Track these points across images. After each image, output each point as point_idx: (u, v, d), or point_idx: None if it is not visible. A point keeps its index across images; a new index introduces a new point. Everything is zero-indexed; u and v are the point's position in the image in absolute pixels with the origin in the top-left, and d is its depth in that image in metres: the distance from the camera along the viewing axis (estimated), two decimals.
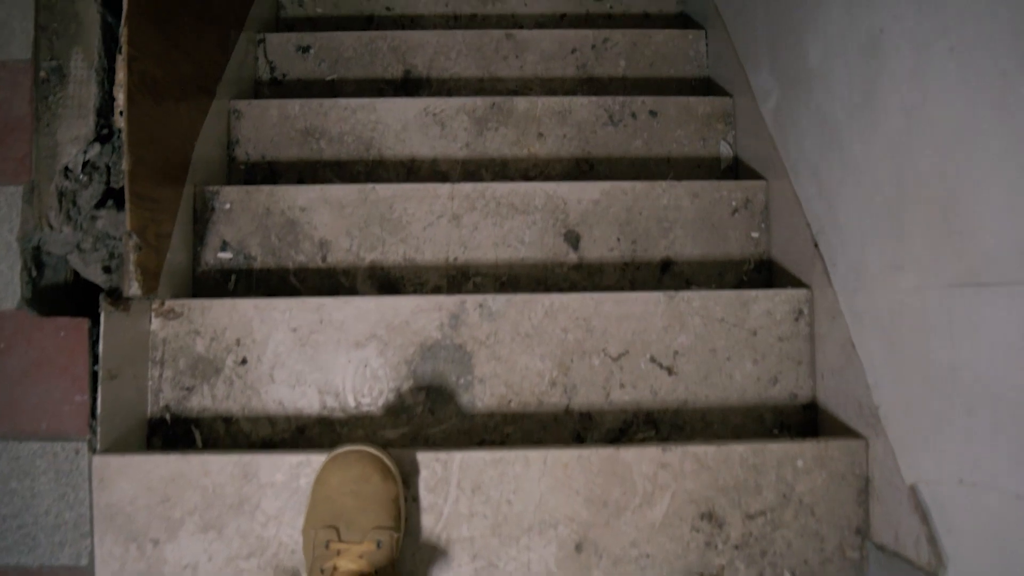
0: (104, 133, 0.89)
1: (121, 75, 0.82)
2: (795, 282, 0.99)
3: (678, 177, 1.21)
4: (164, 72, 0.94)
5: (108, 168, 0.91)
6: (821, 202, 0.93)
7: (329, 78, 1.34)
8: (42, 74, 0.85)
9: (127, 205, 0.83)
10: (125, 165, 0.83)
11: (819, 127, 0.92)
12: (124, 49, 0.82)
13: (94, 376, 0.84)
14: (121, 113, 0.82)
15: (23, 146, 0.84)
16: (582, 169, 1.21)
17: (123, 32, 0.82)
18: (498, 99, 1.21)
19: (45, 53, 0.85)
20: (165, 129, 0.95)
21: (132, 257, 0.84)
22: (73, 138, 0.85)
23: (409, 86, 1.34)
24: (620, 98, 1.22)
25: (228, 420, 0.94)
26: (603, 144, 1.21)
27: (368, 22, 1.50)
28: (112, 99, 0.89)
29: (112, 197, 0.90)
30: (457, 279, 1.06)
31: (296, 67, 1.35)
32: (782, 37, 1.03)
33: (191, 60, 1.04)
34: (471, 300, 0.94)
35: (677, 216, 1.08)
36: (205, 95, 1.11)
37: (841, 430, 0.88)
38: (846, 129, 0.86)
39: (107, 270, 0.90)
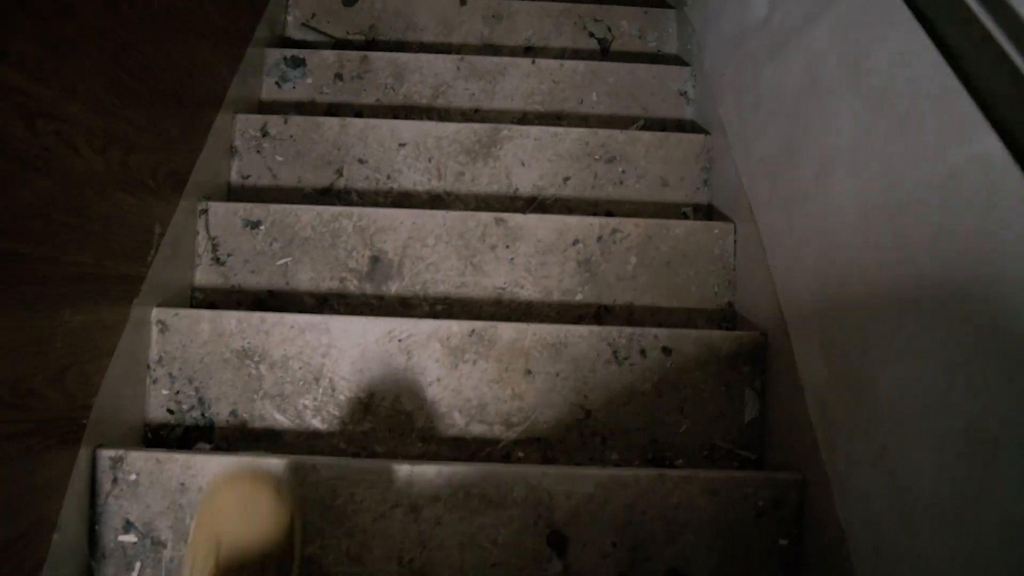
0: None
1: None
2: None
3: (692, 438, 0.99)
4: None
5: None
6: (881, 565, 0.72)
7: (280, 262, 1.12)
8: None
9: None
10: None
11: (885, 475, 0.71)
12: None
13: None
14: None
15: None
16: (576, 417, 0.99)
17: None
18: (478, 325, 0.99)
19: None
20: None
21: None
22: None
23: (377, 278, 1.12)
24: (628, 330, 1.00)
25: None
26: (604, 387, 0.99)
27: (336, 179, 1.27)
28: None
29: None
30: None
31: (243, 246, 1.13)
32: (838, 318, 0.81)
33: (104, 294, 0.83)
34: None
35: (689, 518, 0.87)
36: (116, 328, 0.89)
37: None
38: (928, 521, 0.64)
39: None
